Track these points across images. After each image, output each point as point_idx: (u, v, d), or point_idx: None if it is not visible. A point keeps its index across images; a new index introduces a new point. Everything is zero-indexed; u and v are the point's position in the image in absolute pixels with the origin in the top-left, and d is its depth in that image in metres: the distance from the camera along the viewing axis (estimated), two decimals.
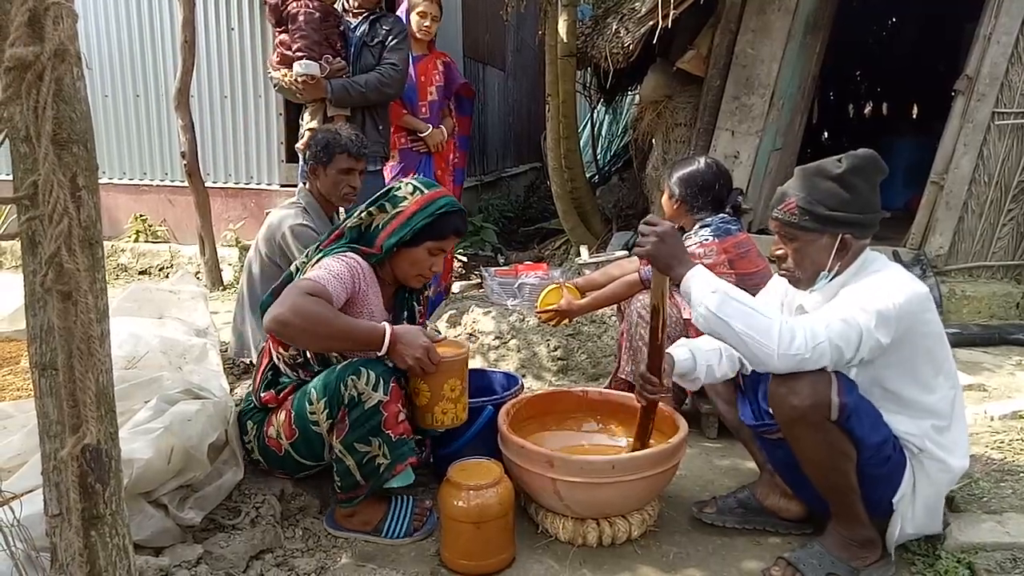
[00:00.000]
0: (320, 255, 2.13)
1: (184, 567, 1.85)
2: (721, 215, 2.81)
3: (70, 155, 0.96)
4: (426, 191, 2.15)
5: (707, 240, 2.72)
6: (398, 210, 2.11)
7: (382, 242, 2.11)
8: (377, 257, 2.13)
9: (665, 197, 2.89)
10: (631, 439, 2.39)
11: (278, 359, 2.14)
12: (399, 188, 2.16)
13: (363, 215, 2.15)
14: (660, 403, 2.18)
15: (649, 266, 2.88)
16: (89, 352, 0.95)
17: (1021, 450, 2.43)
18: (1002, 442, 2.51)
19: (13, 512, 1.40)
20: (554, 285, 3.04)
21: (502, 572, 1.99)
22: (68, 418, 0.97)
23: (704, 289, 1.80)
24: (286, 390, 2.11)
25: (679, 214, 2.87)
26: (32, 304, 1.01)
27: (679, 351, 2.15)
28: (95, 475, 1.03)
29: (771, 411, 1.86)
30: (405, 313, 2.30)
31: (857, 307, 1.77)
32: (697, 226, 2.79)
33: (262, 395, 2.16)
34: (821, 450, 1.81)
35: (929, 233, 4.48)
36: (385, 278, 2.22)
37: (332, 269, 2.02)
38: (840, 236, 1.88)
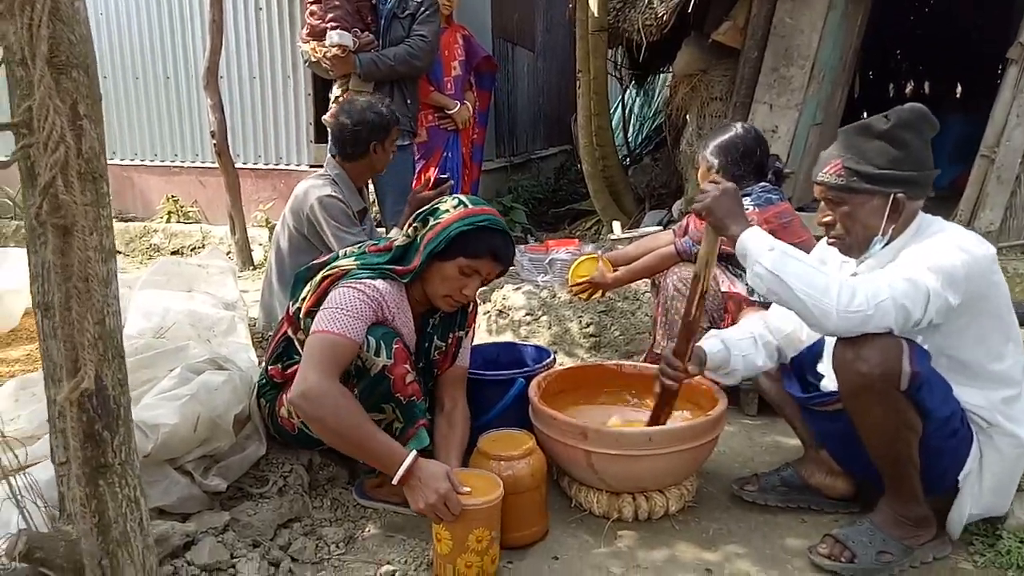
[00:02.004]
0: (359, 268, 1.97)
1: (211, 533, 1.82)
2: (762, 184, 2.69)
3: (69, 80, 0.90)
4: (471, 206, 1.98)
5: (748, 209, 2.60)
6: (437, 221, 1.96)
7: (418, 256, 1.96)
8: (412, 275, 1.97)
9: (702, 170, 2.76)
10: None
11: (293, 336, 2.08)
12: (444, 202, 2.02)
13: (409, 232, 2.02)
14: (679, 390, 2.04)
15: (686, 237, 2.80)
16: (88, 292, 0.90)
17: None
18: None
19: (29, 476, 1.37)
20: (586, 256, 2.95)
21: (535, 545, 1.93)
22: (67, 361, 0.91)
23: (761, 247, 1.72)
24: (293, 368, 2.04)
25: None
26: (32, 240, 0.96)
27: (710, 342, 2.04)
28: (102, 422, 0.98)
29: (836, 378, 1.74)
30: (427, 344, 2.12)
31: (922, 266, 1.66)
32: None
33: (269, 368, 2.10)
34: (885, 422, 1.70)
35: (979, 209, 4.29)
36: (419, 299, 2.05)
37: (348, 308, 1.86)
38: (892, 196, 1.76)
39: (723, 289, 2.72)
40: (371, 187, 4.02)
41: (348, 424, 1.75)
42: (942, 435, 1.74)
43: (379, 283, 1.94)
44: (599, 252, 3.12)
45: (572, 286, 2.94)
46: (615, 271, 2.90)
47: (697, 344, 2.02)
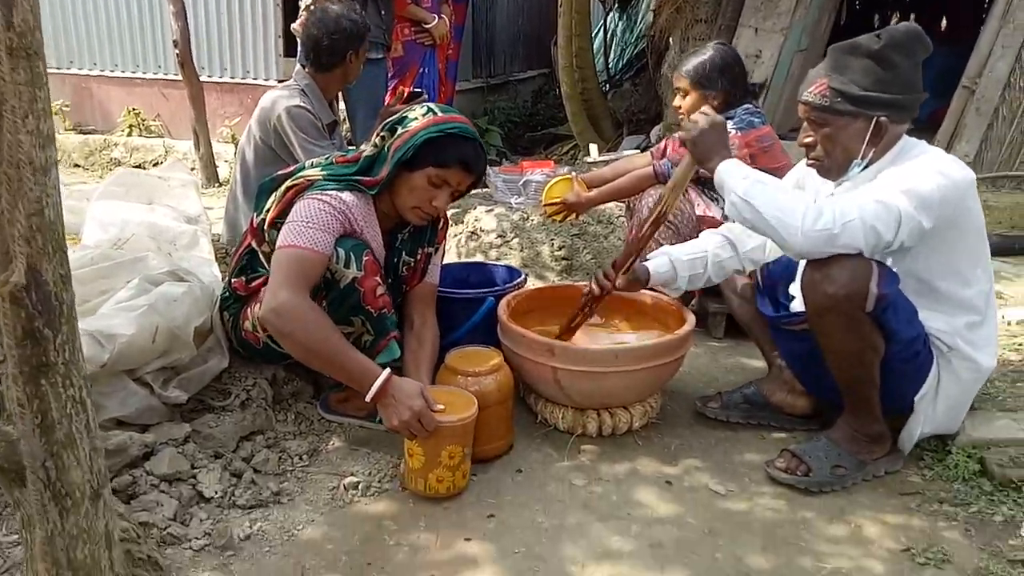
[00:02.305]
0: (325, 179, 1.90)
1: (171, 444, 1.80)
2: (744, 105, 2.63)
3: None
4: (440, 114, 1.89)
5: (730, 133, 2.54)
6: (405, 129, 1.87)
7: (386, 166, 1.88)
8: (379, 187, 1.89)
9: (678, 97, 2.70)
10: (638, 334, 2.32)
11: (257, 248, 2.02)
12: (413, 110, 1.93)
13: (376, 142, 1.93)
14: (601, 298, 2.11)
15: (664, 159, 2.75)
16: (19, 179, 0.84)
17: None
18: (1020, 345, 2.43)
19: None
20: (561, 177, 2.89)
21: (500, 458, 1.94)
22: None
23: (736, 176, 1.73)
24: (257, 281, 1.99)
25: (691, 105, 2.67)
26: None
27: (658, 261, 2.09)
28: (43, 319, 0.94)
29: (803, 298, 1.75)
30: (395, 260, 2.05)
31: (897, 189, 1.64)
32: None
33: (233, 281, 2.05)
34: (849, 342, 1.71)
35: (955, 140, 4.28)
36: (387, 212, 1.97)
37: (314, 221, 1.80)
38: (875, 119, 1.73)
39: (698, 213, 2.70)
40: (342, 104, 3.90)
41: (319, 339, 1.72)
42: (904, 357, 1.76)
43: (346, 195, 1.87)
44: (574, 173, 3.06)
45: (546, 206, 2.90)
46: (589, 192, 2.85)
47: (644, 262, 2.07)
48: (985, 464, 1.81)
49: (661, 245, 2.34)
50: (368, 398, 1.72)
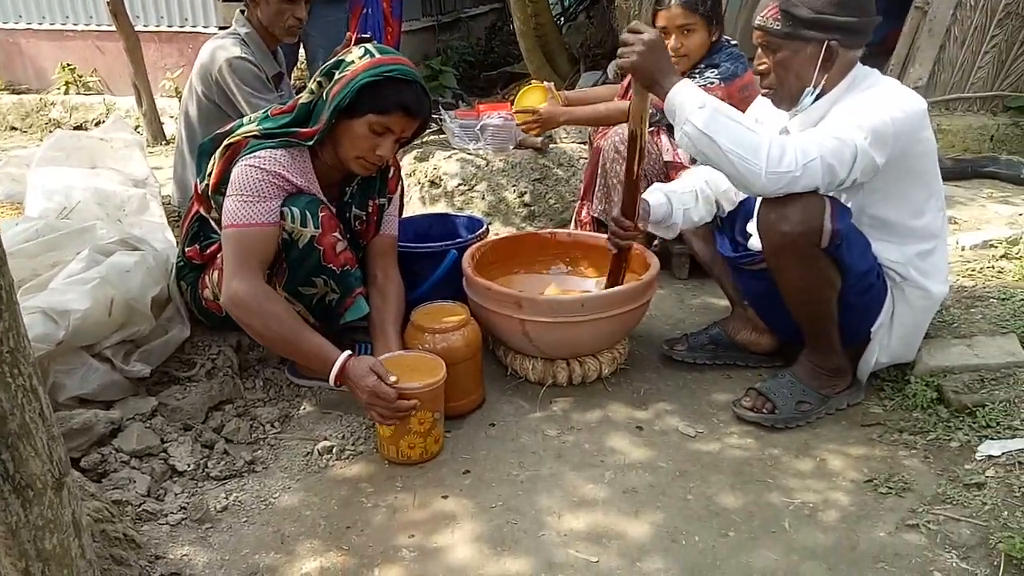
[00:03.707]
0: (259, 136, 1.83)
1: (138, 419, 1.78)
2: (729, 50, 2.55)
3: None
4: (378, 55, 1.78)
5: (713, 83, 2.48)
6: (343, 74, 1.76)
7: (324, 115, 1.78)
8: (317, 137, 1.79)
9: (676, 38, 2.48)
10: (602, 280, 2.31)
11: (206, 215, 1.96)
12: (351, 53, 1.82)
13: (313, 88, 1.83)
14: (633, 246, 2.06)
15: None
16: None
17: (991, 276, 2.41)
18: (973, 270, 2.49)
19: None
20: (535, 84, 2.74)
21: (472, 413, 1.96)
22: None
23: (691, 104, 1.64)
24: (212, 247, 1.94)
25: (700, 43, 2.51)
26: None
27: (654, 195, 2.03)
28: None
29: (760, 238, 1.75)
30: (347, 214, 1.98)
31: (852, 124, 1.63)
32: (703, 65, 2.54)
33: (187, 250, 1.99)
34: (806, 279, 1.73)
35: (909, 63, 4.28)
36: (333, 165, 1.88)
37: (251, 191, 1.75)
38: (825, 44, 1.70)
39: (666, 158, 2.65)
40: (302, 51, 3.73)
41: (276, 330, 1.73)
42: (859, 290, 1.79)
43: (278, 153, 1.80)
44: (549, 84, 2.91)
45: (516, 112, 2.74)
46: (566, 106, 2.74)
47: (642, 197, 1.99)
48: (942, 391, 1.87)
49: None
50: (330, 384, 1.72)
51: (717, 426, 1.89)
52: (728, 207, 2.12)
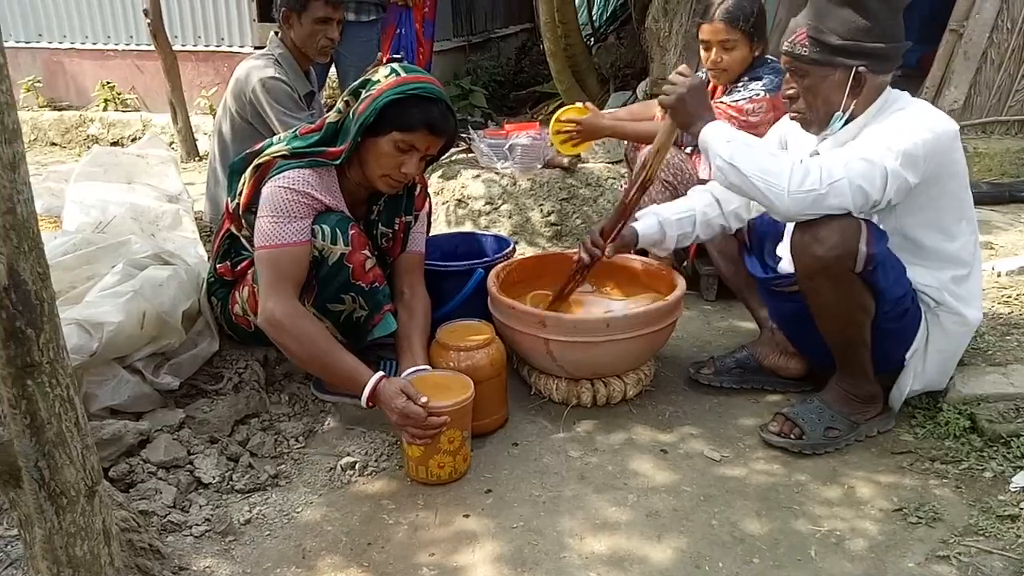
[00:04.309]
0: (288, 156, 1.85)
1: (166, 431, 1.80)
2: (771, 63, 2.53)
3: None
4: (403, 74, 1.80)
5: (758, 95, 2.47)
6: (369, 93, 1.79)
7: (350, 133, 1.80)
8: (344, 156, 1.81)
9: (718, 51, 2.47)
10: (630, 300, 2.31)
11: (237, 233, 1.99)
12: (377, 72, 1.85)
13: (341, 107, 1.86)
14: (592, 266, 2.09)
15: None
16: None
17: None
18: (1009, 297, 2.43)
19: None
20: (572, 106, 2.77)
21: (495, 432, 1.95)
22: None
23: (720, 140, 1.71)
24: (243, 264, 1.97)
25: (741, 58, 2.49)
26: None
27: (646, 222, 2.07)
28: (24, 319, 0.92)
29: (793, 260, 1.74)
30: (373, 232, 2.00)
31: (881, 146, 1.62)
32: (747, 78, 2.53)
33: (218, 266, 2.03)
34: (840, 303, 1.71)
35: (944, 86, 4.23)
36: (360, 183, 1.90)
37: (281, 211, 1.78)
38: (854, 70, 1.70)
39: (702, 176, 2.64)
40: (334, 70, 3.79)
41: (311, 351, 1.76)
42: (893, 315, 1.76)
43: (306, 173, 1.82)
44: (589, 104, 2.92)
45: (555, 134, 2.74)
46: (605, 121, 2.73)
47: (631, 224, 2.05)
48: (975, 420, 1.83)
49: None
50: (364, 405, 1.73)
51: (743, 451, 1.86)
52: (736, 224, 2.12)
